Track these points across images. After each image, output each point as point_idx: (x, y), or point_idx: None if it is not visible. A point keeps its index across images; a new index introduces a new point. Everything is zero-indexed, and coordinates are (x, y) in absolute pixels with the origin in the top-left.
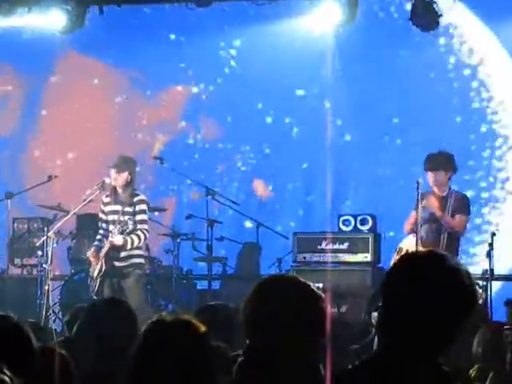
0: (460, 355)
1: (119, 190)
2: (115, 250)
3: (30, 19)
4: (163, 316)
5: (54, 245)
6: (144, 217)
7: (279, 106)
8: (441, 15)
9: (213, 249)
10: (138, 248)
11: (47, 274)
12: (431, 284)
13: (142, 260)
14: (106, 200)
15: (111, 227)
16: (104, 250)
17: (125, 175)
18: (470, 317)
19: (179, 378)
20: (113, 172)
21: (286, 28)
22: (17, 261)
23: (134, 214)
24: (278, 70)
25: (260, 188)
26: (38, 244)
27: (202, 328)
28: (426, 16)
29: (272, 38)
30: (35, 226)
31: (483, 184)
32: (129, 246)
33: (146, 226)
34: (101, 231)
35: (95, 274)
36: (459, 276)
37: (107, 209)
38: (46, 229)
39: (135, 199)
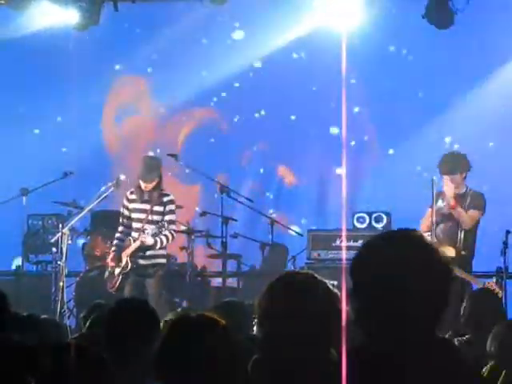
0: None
1: (146, 190)
2: (142, 248)
3: (43, 15)
4: (186, 312)
5: (69, 241)
6: (173, 217)
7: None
8: (455, 13)
9: (227, 246)
10: (162, 248)
11: (62, 271)
12: (406, 261)
13: (164, 260)
14: (132, 197)
15: (137, 225)
16: (131, 249)
17: (155, 182)
18: (450, 291)
19: (205, 371)
20: (142, 183)
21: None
22: (31, 257)
23: (164, 214)
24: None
25: (287, 174)
26: (52, 240)
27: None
28: (440, 14)
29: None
30: (50, 222)
31: None
32: (158, 246)
33: (174, 227)
34: (120, 228)
35: (117, 270)
36: (431, 251)
37: (132, 206)
38: (60, 225)
39: (165, 199)
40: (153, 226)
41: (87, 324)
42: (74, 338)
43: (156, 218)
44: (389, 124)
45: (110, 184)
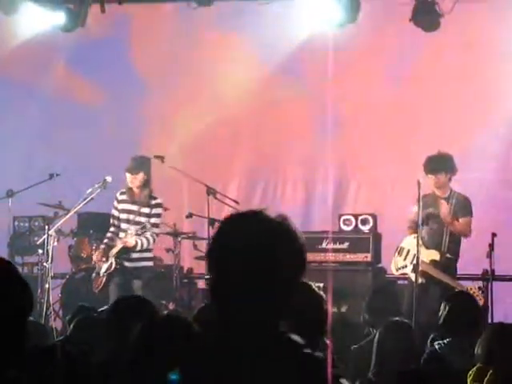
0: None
1: (136, 190)
2: (127, 250)
3: (31, 17)
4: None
5: (55, 243)
6: (157, 221)
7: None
8: (442, 15)
9: None
10: (149, 251)
11: (48, 273)
12: (257, 243)
13: (151, 263)
14: (121, 198)
15: (124, 225)
16: (115, 250)
17: (140, 176)
18: (301, 276)
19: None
20: (128, 175)
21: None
22: (17, 259)
23: (150, 216)
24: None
25: None
26: (38, 242)
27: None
28: (427, 16)
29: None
30: (36, 224)
31: None
32: (138, 248)
33: (157, 231)
34: (111, 229)
35: (102, 270)
36: (286, 234)
37: (121, 206)
38: (46, 227)
39: (153, 202)
40: (136, 227)
41: (72, 326)
42: (60, 341)
43: (143, 219)
44: (376, 125)
45: (96, 185)
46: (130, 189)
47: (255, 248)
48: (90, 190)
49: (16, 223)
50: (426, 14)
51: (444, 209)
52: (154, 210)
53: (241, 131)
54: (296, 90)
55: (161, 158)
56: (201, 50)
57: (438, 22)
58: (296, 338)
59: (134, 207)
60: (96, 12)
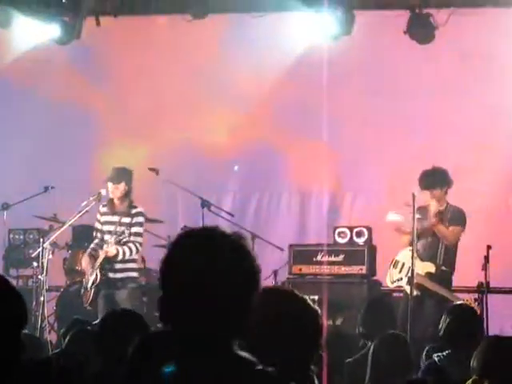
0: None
1: (116, 202)
2: (110, 261)
3: (27, 30)
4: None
5: (50, 256)
6: (139, 230)
7: (272, 118)
8: (436, 28)
9: None
10: (132, 261)
11: (42, 285)
12: (210, 262)
13: (136, 274)
14: (103, 210)
15: (107, 237)
16: (99, 261)
17: (121, 186)
18: (254, 294)
19: None
20: (110, 185)
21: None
22: (12, 272)
23: (131, 225)
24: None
25: None
26: (33, 255)
27: None
28: (422, 29)
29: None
30: (31, 237)
31: None
32: (120, 257)
33: (139, 240)
34: (96, 240)
35: (89, 284)
36: (239, 251)
37: (103, 219)
38: (41, 240)
39: (133, 211)
40: (115, 236)
41: (67, 339)
42: (55, 354)
43: (123, 229)
44: (371, 137)
45: (91, 198)
46: (111, 201)
47: (200, 265)
48: (84, 203)
49: (11, 236)
50: (421, 27)
51: (431, 210)
52: (135, 219)
53: (235, 143)
54: (290, 103)
55: (155, 171)
56: (195, 62)
57: (432, 35)
58: (247, 355)
59: (115, 218)
60: (91, 25)
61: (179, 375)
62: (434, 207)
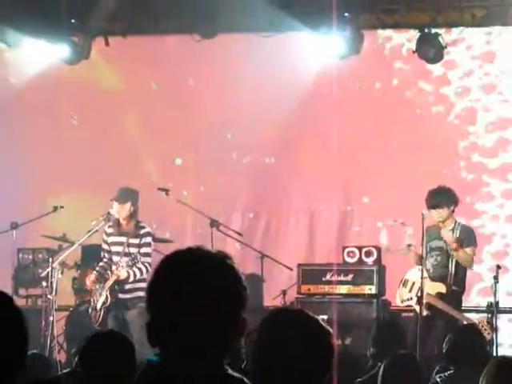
0: None
1: (123, 222)
2: (120, 282)
3: (36, 50)
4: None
5: (59, 275)
6: (148, 250)
7: (276, 138)
8: (445, 48)
9: None
10: (142, 281)
11: (52, 305)
12: (189, 281)
13: (144, 293)
14: (109, 231)
15: (116, 258)
16: (109, 283)
17: (127, 206)
18: (241, 311)
19: None
20: (115, 204)
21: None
22: (21, 291)
23: (140, 246)
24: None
25: None
26: (42, 275)
27: None
28: (431, 49)
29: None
30: (40, 256)
31: None
32: (131, 279)
33: (148, 260)
34: (104, 260)
35: (98, 305)
36: (224, 270)
37: (110, 240)
38: (50, 259)
39: (141, 231)
40: (126, 259)
41: (77, 359)
42: (65, 374)
43: (132, 250)
44: (381, 156)
45: (100, 218)
46: (117, 221)
47: (184, 288)
48: (94, 223)
49: (20, 255)
50: (430, 46)
51: (447, 237)
52: (144, 240)
53: (244, 162)
54: (299, 122)
55: (165, 191)
56: (204, 82)
57: (441, 54)
58: (236, 374)
59: (123, 239)
60: (100, 45)
61: None
62: (447, 235)
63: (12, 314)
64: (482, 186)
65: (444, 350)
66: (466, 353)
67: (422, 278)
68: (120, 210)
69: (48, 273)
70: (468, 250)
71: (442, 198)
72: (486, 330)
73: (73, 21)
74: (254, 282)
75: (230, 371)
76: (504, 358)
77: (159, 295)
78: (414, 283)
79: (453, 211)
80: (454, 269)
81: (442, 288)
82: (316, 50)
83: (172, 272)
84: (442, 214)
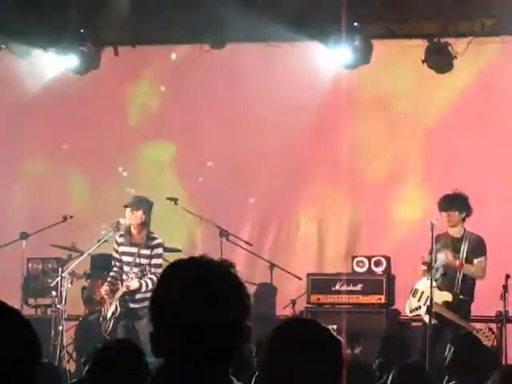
0: None
1: (134, 231)
2: (130, 292)
3: (46, 60)
4: None
5: (69, 285)
6: (159, 261)
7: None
8: (455, 57)
9: None
10: (150, 291)
11: (61, 315)
12: (200, 290)
13: None
14: (120, 240)
15: (126, 268)
16: (119, 293)
17: (139, 214)
18: (245, 320)
19: None
20: (127, 211)
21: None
22: (31, 301)
23: (151, 257)
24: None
25: None
26: (52, 284)
27: None
28: (440, 58)
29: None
30: (49, 266)
31: None
32: (143, 289)
33: (159, 271)
34: (115, 269)
35: (108, 314)
36: (227, 279)
37: (121, 249)
38: (60, 269)
39: (153, 242)
40: (136, 269)
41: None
42: (74, 383)
43: (143, 261)
44: (390, 166)
45: (109, 227)
46: (129, 231)
47: (189, 295)
48: (103, 232)
49: (29, 265)
50: (439, 56)
51: (448, 259)
52: (155, 251)
53: (253, 172)
54: (308, 131)
55: (174, 200)
56: (213, 92)
57: (451, 64)
58: None
59: (134, 249)
60: (109, 55)
61: None
62: (448, 257)
63: (25, 330)
64: None
65: (445, 363)
66: (466, 363)
67: (431, 287)
68: (131, 217)
69: (57, 282)
70: (476, 261)
71: (455, 201)
72: (487, 336)
73: (82, 30)
74: (265, 292)
75: (235, 382)
76: (510, 367)
77: (161, 306)
78: (422, 292)
79: (464, 219)
80: (460, 278)
81: (448, 297)
82: (325, 60)
83: (174, 282)
84: (452, 218)
